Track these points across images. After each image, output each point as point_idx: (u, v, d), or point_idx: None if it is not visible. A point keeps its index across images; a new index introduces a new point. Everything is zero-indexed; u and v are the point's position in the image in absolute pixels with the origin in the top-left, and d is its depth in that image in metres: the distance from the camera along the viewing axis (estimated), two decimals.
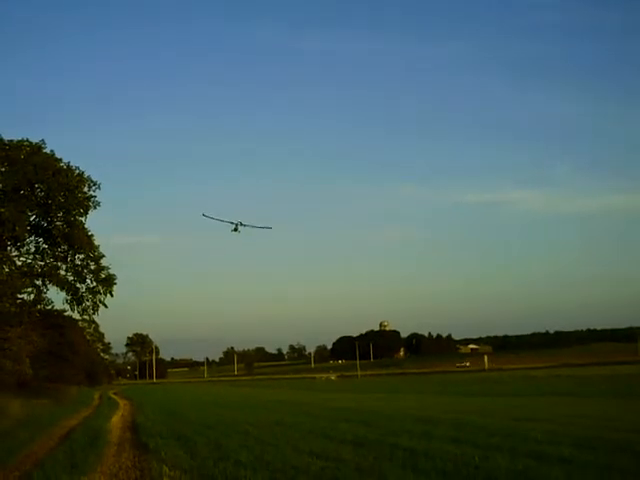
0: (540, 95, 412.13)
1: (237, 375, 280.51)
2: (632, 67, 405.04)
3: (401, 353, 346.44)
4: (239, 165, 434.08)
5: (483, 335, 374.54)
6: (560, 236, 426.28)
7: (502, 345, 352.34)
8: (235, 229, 39.99)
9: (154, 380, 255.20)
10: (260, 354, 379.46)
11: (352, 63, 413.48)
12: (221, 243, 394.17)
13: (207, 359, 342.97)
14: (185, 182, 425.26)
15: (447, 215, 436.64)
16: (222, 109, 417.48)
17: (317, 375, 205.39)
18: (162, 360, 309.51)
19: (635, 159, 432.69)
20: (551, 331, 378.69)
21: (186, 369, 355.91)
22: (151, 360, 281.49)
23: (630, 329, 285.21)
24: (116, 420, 38.19)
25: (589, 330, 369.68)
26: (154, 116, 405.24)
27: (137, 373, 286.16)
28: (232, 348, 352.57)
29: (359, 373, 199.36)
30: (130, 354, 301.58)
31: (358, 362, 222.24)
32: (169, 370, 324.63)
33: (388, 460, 17.51)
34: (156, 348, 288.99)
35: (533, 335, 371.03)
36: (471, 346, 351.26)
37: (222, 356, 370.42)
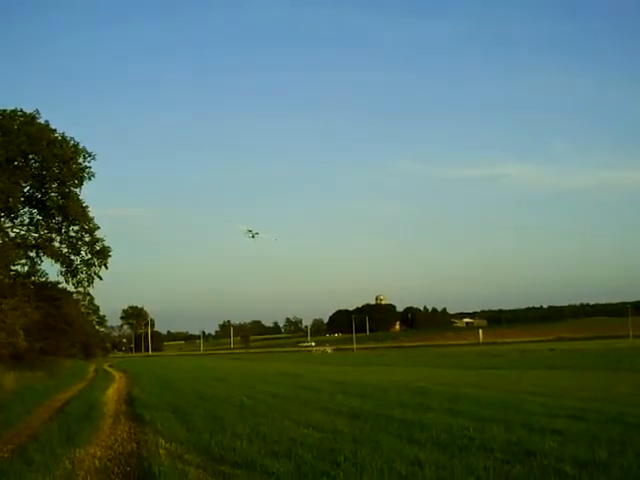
0: (539, 71, 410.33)
1: (233, 348, 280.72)
2: (629, 45, 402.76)
3: (397, 327, 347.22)
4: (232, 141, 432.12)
5: (478, 309, 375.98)
6: (555, 211, 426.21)
7: (497, 319, 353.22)
8: (252, 236, 51.05)
9: (150, 353, 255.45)
10: (257, 327, 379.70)
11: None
12: (218, 217, 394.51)
13: (203, 332, 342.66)
14: (184, 155, 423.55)
15: (444, 190, 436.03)
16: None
17: (314, 348, 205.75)
18: (158, 333, 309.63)
19: (633, 136, 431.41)
20: (545, 305, 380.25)
21: (182, 342, 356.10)
22: (147, 333, 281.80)
23: (623, 304, 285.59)
24: (112, 392, 38.34)
25: (582, 305, 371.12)
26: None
27: (132, 346, 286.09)
28: (228, 321, 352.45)
29: (355, 346, 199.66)
30: (125, 327, 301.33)
31: (354, 335, 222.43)
32: (165, 343, 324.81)
33: (384, 431, 17.66)
34: (152, 321, 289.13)
35: (527, 309, 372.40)
36: (466, 320, 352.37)
37: (218, 329, 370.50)
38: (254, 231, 50.89)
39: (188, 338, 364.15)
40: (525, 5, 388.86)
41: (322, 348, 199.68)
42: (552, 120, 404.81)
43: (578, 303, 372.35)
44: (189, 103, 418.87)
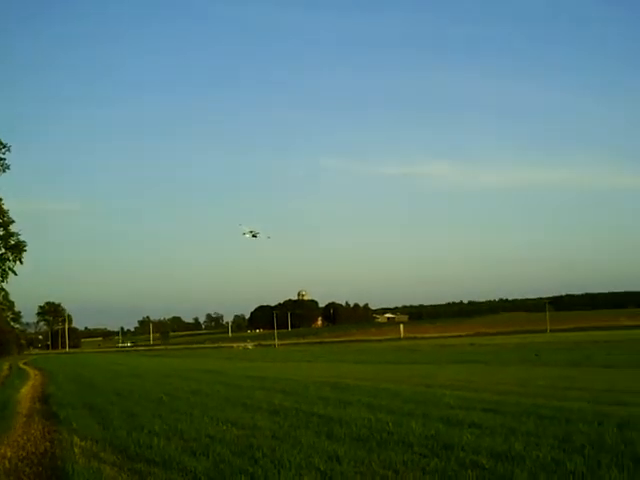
0: (464, 70, 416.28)
1: (152, 345, 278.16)
2: (550, 44, 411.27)
3: (319, 322, 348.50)
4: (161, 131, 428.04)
5: (399, 305, 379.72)
6: (476, 208, 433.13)
7: (418, 315, 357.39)
8: (254, 236, 60.92)
9: (67, 350, 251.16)
10: (176, 323, 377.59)
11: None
12: (137, 211, 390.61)
13: (122, 328, 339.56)
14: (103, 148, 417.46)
15: (367, 186, 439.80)
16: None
17: (234, 344, 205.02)
18: (75, 329, 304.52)
19: (554, 134, 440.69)
20: (465, 301, 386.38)
21: (100, 339, 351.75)
22: (64, 329, 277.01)
23: (540, 299, 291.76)
24: (26, 391, 37.50)
25: (501, 300, 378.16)
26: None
27: (49, 343, 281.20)
28: (148, 317, 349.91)
29: (276, 342, 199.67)
30: (42, 323, 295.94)
31: (276, 331, 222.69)
32: (83, 340, 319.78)
33: (304, 427, 17.63)
34: (69, 317, 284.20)
35: (448, 305, 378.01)
36: (387, 315, 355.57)
37: (137, 325, 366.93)
38: (255, 231, 54.88)
39: (106, 334, 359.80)
40: (453, 6, 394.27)
41: (243, 344, 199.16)
42: (469, 119, 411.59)
43: (497, 299, 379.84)
44: None
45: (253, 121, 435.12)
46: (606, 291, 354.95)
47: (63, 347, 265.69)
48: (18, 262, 46.71)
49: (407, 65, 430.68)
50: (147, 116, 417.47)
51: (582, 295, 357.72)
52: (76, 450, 15.44)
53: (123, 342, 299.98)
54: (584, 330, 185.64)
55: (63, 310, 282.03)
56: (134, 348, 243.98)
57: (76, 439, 17.03)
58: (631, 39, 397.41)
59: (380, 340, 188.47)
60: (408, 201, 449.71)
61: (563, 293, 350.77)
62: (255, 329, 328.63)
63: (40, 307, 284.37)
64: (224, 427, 18.17)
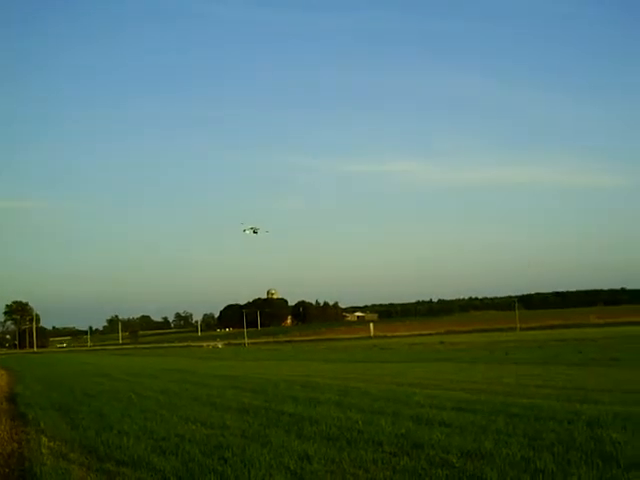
0: (441, 67, 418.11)
1: (122, 344, 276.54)
2: (531, 44, 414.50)
3: (288, 321, 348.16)
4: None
5: (369, 303, 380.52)
6: (444, 206, 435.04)
7: (388, 313, 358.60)
8: (254, 232, 65.31)
9: (35, 349, 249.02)
10: (145, 322, 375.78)
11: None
12: (105, 210, 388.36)
13: (90, 328, 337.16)
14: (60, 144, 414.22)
15: (335, 185, 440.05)
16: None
17: (204, 343, 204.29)
18: (43, 329, 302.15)
19: (520, 134, 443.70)
20: (435, 299, 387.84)
21: (69, 338, 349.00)
22: (31, 329, 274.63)
23: (509, 297, 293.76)
24: None
25: (471, 298, 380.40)
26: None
27: (17, 342, 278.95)
28: (116, 316, 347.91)
29: (246, 341, 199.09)
30: (9, 323, 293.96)
31: (245, 330, 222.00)
32: (51, 339, 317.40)
33: (273, 426, 17.60)
34: (37, 316, 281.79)
35: (418, 303, 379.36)
36: (357, 314, 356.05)
37: (106, 324, 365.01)
38: (255, 227, 57.44)
39: (75, 334, 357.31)
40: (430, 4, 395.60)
41: (213, 343, 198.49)
42: (437, 118, 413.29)
43: (467, 297, 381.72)
44: None
45: (227, 119, 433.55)
46: (575, 289, 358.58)
47: (31, 346, 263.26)
48: None
49: (382, 63, 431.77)
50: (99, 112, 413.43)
51: (551, 293, 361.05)
52: (44, 451, 15.33)
53: (92, 342, 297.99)
54: (553, 328, 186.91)
55: (31, 309, 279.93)
56: (104, 347, 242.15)
57: (44, 439, 16.92)
58: (611, 38, 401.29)
59: (350, 339, 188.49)
60: (378, 200, 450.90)
61: (532, 291, 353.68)
62: (225, 328, 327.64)
63: (7, 306, 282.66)
64: (193, 426, 18.12)
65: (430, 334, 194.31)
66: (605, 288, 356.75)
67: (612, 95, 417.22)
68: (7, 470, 13.64)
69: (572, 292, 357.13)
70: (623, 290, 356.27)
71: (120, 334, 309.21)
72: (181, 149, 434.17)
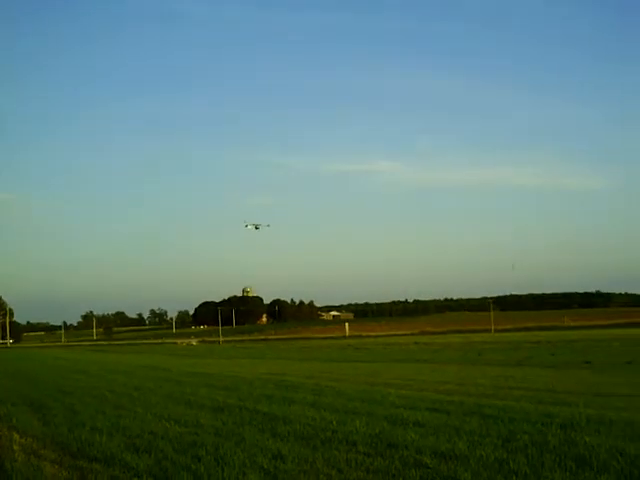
0: (418, 68, 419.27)
1: (96, 340, 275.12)
2: (505, 44, 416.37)
3: (264, 319, 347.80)
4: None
5: (345, 302, 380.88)
6: (423, 208, 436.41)
7: (363, 313, 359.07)
8: (256, 228, 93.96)
9: (8, 344, 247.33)
10: (120, 319, 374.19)
11: None
12: (79, 203, 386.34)
13: (65, 323, 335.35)
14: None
15: (314, 183, 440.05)
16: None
17: (178, 340, 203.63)
18: (17, 323, 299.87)
19: (502, 135, 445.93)
20: (410, 299, 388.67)
21: (42, 333, 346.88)
22: (4, 323, 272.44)
23: (485, 299, 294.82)
24: None
25: (446, 299, 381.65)
26: None
27: None
28: (91, 312, 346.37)
29: (221, 339, 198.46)
30: None
31: (220, 328, 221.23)
32: (24, 334, 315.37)
33: (247, 425, 17.56)
34: (10, 311, 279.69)
35: (393, 303, 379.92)
36: (333, 313, 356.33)
37: (81, 320, 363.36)
38: (257, 224, 64.57)
39: (49, 329, 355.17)
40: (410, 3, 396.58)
41: (187, 340, 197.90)
42: (419, 119, 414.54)
43: (442, 298, 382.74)
44: None
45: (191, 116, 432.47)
46: (550, 292, 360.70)
47: (4, 341, 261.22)
48: None
49: (360, 62, 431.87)
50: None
51: (526, 295, 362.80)
52: (16, 447, 15.23)
53: (66, 337, 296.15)
54: (528, 330, 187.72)
55: (4, 303, 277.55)
56: (78, 343, 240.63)
57: (16, 436, 16.82)
58: (585, 38, 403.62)
59: (325, 338, 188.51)
60: (355, 199, 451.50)
61: (507, 293, 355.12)
62: (199, 325, 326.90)
63: None
64: (167, 424, 18.04)
65: (405, 334, 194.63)
66: (580, 291, 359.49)
67: (591, 96, 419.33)
68: None
69: (547, 294, 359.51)
70: (598, 293, 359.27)
71: (95, 330, 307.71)
72: (156, 146, 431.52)
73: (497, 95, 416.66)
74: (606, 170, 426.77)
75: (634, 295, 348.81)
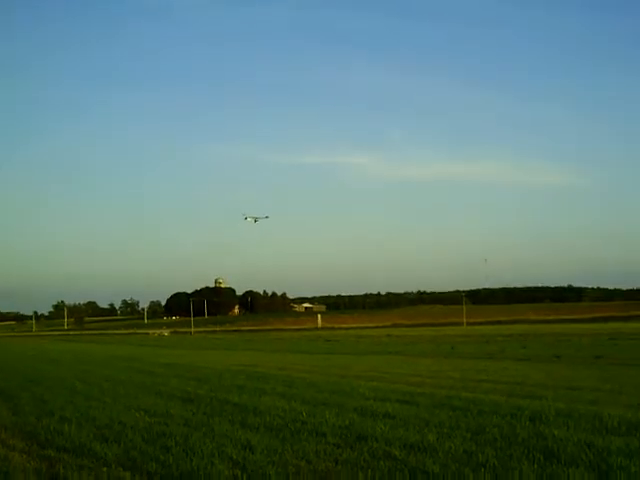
0: (385, 65, 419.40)
1: (67, 330, 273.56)
2: (468, 43, 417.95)
3: (236, 311, 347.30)
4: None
5: (317, 294, 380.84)
6: (396, 200, 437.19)
7: (336, 305, 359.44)
8: (255, 221, 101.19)
9: None
10: (92, 308, 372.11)
11: None
12: (50, 192, 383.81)
13: (36, 313, 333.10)
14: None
15: (286, 174, 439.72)
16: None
17: (150, 331, 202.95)
18: None
19: (470, 130, 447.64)
20: (383, 292, 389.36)
21: (13, 322, 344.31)
22: None
23: (457, 292, 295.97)
24: None
25: (419, 292, 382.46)
26: None
27: None
28: (62, 302, 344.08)
29: (193, 330, 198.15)
30: None
31: (192, 319, 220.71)
32: None
33: (217, 416, 17.54)
34: None
35: (366, 296, 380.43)
36: (305, 305, 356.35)
37: (52, 310, 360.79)
38: (256, 217, 68.09)
39: (20, 318, 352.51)
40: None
41: (159, 331, 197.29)
42: (389, 113, 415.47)
43: (415, 291, 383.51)
44: None
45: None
46: (522, 285, 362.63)
47: None
48: None
49: (328, 58, 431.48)
50: None
51: (499, 289, 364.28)
52: None
53: (37, 327, 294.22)
54: (500, 323, 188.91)
55: None
56: (49, 333, 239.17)
57: None
58: (545, 39, 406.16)
59: (297, 330, 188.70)
60: (327, 191, 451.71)
61: (480, 287, 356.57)
62: (171, 316, 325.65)
63: None
64: (137, 414, 18.02)
65: (377, 327, 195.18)
66: (552, 285, 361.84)
67: (559, 93, 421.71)
68: None
69: (519, 288, 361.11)
70: (570, 287, 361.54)
71: (66, 320, 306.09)
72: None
73: (467, 92, 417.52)
74: (577, 166, 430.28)
75: (605, 289, 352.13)
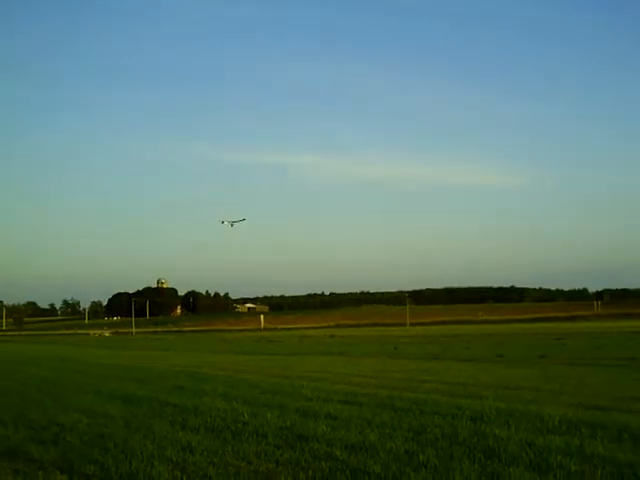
0: (349, 62, 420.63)
1: (5, 330, 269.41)
2: (422, 40, 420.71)
3: (178, 311, 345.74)
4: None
5: (260, 295, 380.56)
6: (342, 200, 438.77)
7: (279, 305, 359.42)
8: (231, 225, 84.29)
9: None
10: (31, 309, 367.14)
11: None
12: None
13: None
14: None
15: (236, 174, 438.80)
16: None
17: (91, 331, 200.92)
18: None
19: (423, 131, 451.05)
20: (326, 292, 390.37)
21: None
22: None
23: (401, 292, 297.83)
24: None
25: (362, 292, 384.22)
26: None
27: None
28: (1, 302, 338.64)
29: (134, 330, 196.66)
30: None
31: (133, 319, 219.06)
32: None
33: (158, 417, 17.37)
34: None
35: (309, 296, 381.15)
36: (248, 305, 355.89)
37: None
38: (233, 220, 69.77)
39: None
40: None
41: (100, 331, 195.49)
42: (342, 113, 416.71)
43: (358, 291, 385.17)
44: None
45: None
46: (465, 286, 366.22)
47: None
48: None
49: (288, 55, 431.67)
50: None
51: (442, 289, 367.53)
52: None
53: None
54: (443, 324, 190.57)
55: None
56: None
57: None
58: (523, 37, 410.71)
59: (240, 330, 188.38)
60: (273, 192, 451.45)
61: (423, 287, 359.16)
62: (112, 316, 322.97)
63: None
64: (75, 415, 17.74)
65: (321, 327, 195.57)
66: (494, 286, 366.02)
67: (507, 93, 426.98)
68: None
69: (462, 289, 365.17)
70: (512, 288, 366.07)
71: (4, 320, 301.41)
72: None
73: (420, 91, 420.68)
74: (520, 168, 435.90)
75: (548, 290, 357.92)
